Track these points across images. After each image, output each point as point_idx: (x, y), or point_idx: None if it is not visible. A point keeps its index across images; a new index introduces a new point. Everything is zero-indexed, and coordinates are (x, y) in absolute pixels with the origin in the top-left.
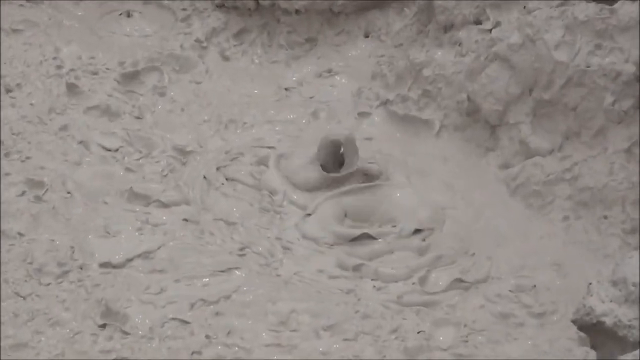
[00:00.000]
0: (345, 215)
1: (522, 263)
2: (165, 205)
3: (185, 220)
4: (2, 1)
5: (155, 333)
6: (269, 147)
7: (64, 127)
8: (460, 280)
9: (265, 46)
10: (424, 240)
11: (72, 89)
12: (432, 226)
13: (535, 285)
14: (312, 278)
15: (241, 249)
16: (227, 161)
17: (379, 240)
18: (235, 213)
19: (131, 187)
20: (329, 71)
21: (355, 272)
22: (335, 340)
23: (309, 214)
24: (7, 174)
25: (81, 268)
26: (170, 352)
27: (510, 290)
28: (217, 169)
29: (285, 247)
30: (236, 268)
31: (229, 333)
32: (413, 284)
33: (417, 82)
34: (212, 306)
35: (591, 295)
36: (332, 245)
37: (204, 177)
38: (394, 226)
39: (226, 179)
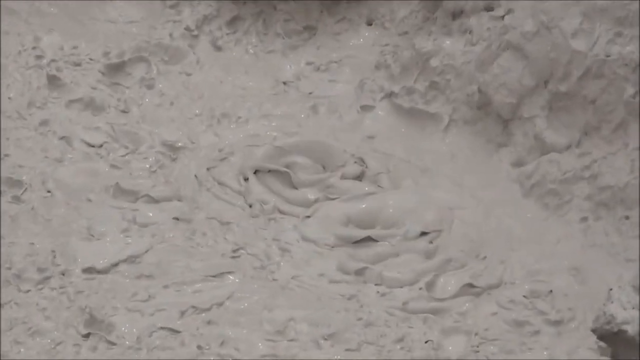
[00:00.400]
0: (349, 221)
1: (537, 267)
2: (154, 201)
3: (176, 219)
4: None
5: (142, 343)
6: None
7: (44, 122)
8: (471, 286)
9: (261, 35)
10: (431, 242)
11: (53, 81)
12: (439, 228)
13: (551, 291)
14: (311, 283)
15: (235, 251)
16: (217, 161)
17: (384, 243)
18: (228, 213)
19: (117, 184)
20: (329, 62)
21: (358, 276)
22: (337, 350)
23: (308, 216)
24: None
25: (63, 274)
26: None
27: (524, 296)
28: (208, 169)
29: (282, 249)
30: (229, 272)
31: (222, 343)
32: (420, 289)
33: (424, 73)
34: (203, 314)
35: (612, 302)
36: (333, 247)
37: (195, 177)
38: (399, 229)
39: (216, 183)
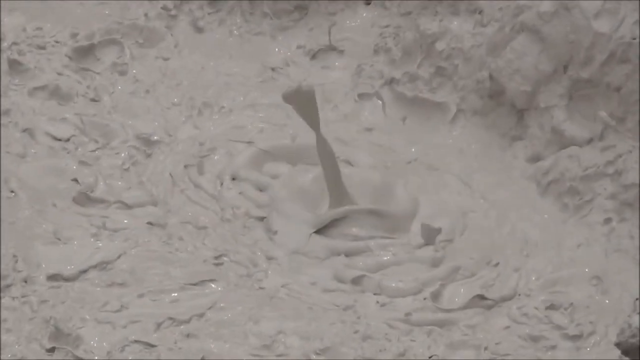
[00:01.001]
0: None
1: (555, 276)
2: (126, 205)
3: (150, 223)
4: None
5: (114, 358)
6: (248, 143)
7: (5, 113)
8: (482, 297)
9: (247, 15)
10: (437, 251)
11: (14, 66)
12: (448, 237)
13: (572, 304)
14: (302, 292)
15: (217, 257)
16: (196, 158)
17: (384, 251)
18: (203, 217)
19: (85, 193)
20: (323, 45)
21: (355, 285)
22: None
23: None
24: None
25: (26, 281)
26: None
27: (540, 308)
28: (185, 167)
29: (269, 256)
30: (211, 280)
31: (202, 358)
32: (424, 299)
33: (429, 58)
34: (182, 326)
35: (638, 313)
36: (324, 260)
37: (170, 176)
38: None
39: (192, 184)
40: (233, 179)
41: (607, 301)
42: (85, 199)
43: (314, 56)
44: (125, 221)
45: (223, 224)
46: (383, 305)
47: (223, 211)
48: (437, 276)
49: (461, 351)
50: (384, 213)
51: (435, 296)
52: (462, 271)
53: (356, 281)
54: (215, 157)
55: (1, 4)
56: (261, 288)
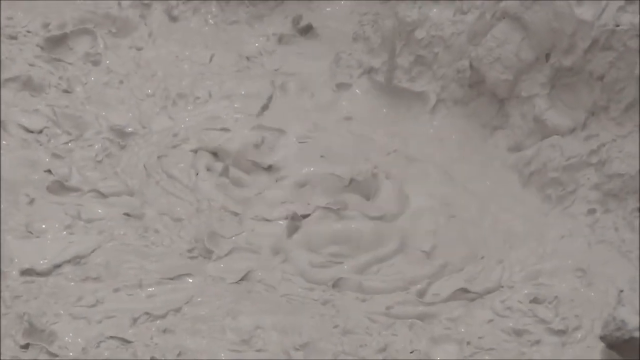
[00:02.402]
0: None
1: (538, 268)
2: (101, 196)
3: (127, 215)
4: None
5: (89, 355)
6: (223, 129)
7: None
8: (465, 291)
9: (222, 3)
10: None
11: None
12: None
13: (557, 297)
14: (280, 286)
15: (191, 250)
16: (168, 149)
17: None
18: (179, 209)
19: (58, 181)
20: (300, 33)
21: (334, 288)
22: None
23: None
24: None
25: None
26: None
27: (524, 302)
28: (158, 157)
29: (247, 250)
30: (187, 274)
31: (179, 354)
32: (407, 293)
33: (408, 46)
34: (158, 321)
35: (623, 306)
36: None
37: (144, 167)
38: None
39: (165, 175)
40: (207, 169)
41: (592, 294)
42: (59, 187)
43: (288, 42)
44: (100, 211)
45: (199, 215)
46: (363, 300)
47: (199, 202)
48: (424, 274)
49: (443, 345)
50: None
51: (421, 294)
52: (450, 267)
53: (335, 284)
54: (186, 147)
55: None
56: (238, 282)
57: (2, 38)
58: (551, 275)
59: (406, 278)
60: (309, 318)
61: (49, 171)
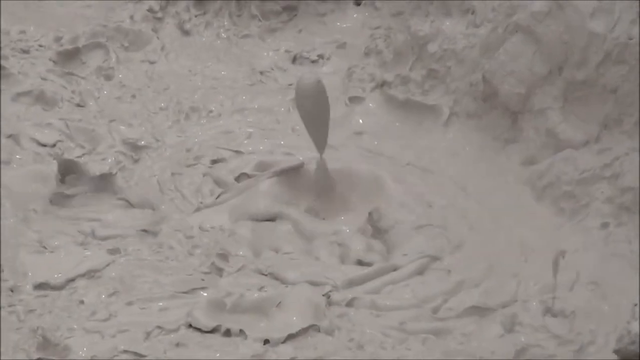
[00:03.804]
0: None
1: (551, 282)
2: (114, 211)
3: (144, 231)
4: None
5: None
6: (236, 151)
7: None
8: (480, 307)
9: (234, 17)
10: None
11: None
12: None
13: (573, 311)
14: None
15: (209, 266)
16: (183, 167)
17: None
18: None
19: (69, 195)
20: (312, 48)
21: (348, 307)
22: None
23: None
24: None
25: (12, 290)
26: None
27: (537, 317)
28: (172, 174)
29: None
30: (202, 288)
31: None
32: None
33: (421, 60)
34: (171, 335)
35: (637, 319)
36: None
37: (158, 183)
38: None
39: (179, 194)
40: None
41: (606, 307)
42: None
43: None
44: (114, 228)
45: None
46: (377, 315)
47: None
48: (441, 291)
49: None
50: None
51: (436, 310)
52: (467, 283)
53: (349, 304)
54: (200, 168)
55: None
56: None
57: (14, 52)
58: (565, 289)
59: (420, 296)
60: (324, 332)
61: (62, 185)
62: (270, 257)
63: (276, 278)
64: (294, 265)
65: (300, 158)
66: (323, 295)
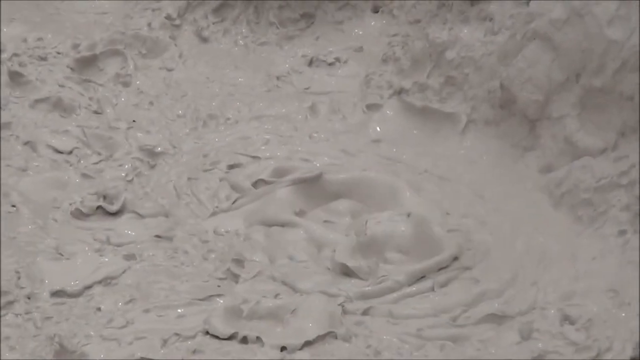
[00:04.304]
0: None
1: (571, 289)
2: (131, 218)
3: (158, 237)
4: None
5: None
6: (253, 157)
7: (5, 126)
8: (498, 314)
9: (252, 24)
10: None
11: (15, 78)
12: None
13: (590, 319)
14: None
15: (224, 271)
16: (199, 172)
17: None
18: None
19: (89, 197)
20: (330, 54)
21: (364, 315)
22: None
23: None
24: None
25: (29, 297)
26: None
27: (555, 324)
28: (188, 179)
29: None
30: (218, 295)
31: None
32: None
33: (439, 67)
34: (188, 342)
35: None
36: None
37: (174, 189)
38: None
39: (195, 199)
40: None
41: (622, 314)
42: (89, 209)
43: (318, 63)
44: (130, 234)
45: (224, 238)
46: (395, 323)
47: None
48: (461, 302)
49: None
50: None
51: (454, 318)
52: (489, 294)
53: (365, 312)
54: (216, 172)
55: (0, 14)
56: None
57: (32, 59)
58: (584, 296)
59: (437, 307)
60: (341, 339)
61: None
62: (283, 265)
63: (289, 286)
64: (306, 274)
65: (318, 164)
66: (338, 304)
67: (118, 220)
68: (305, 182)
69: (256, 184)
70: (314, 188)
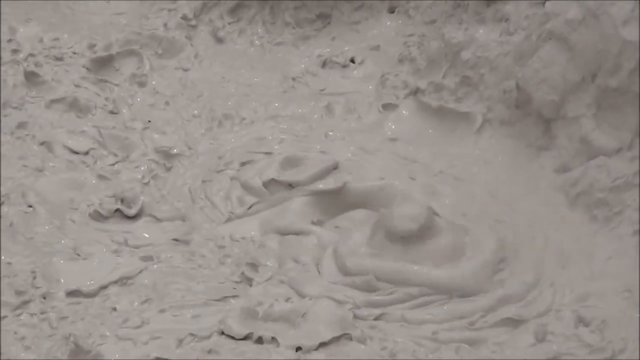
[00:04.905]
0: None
1: (587, 290)
2: (148, 221)
3: (176, 240)
4: None
5: None
6: (266, 153)
7: (21, 125)
8: (516, 318)
9: (268, 24)
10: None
11: (31, 78)
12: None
13: (604, 321)
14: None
15: (240, 275)
16: (213, 173)
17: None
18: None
19: (105, 199)
20: (346, 55)
21: (377, 320)
22: None
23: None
24: None
25: (44, 297)
26: None
27: (570, 326)
28: (203, 182)
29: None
30: (233, 297)
31: None
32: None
33: (454, 67)
34: (204, 342)
35: None
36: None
37: (189, 191)
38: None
39: (209, 202)
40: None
41: (637, 315)
42: (105, 207)
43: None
44: (147, 236)
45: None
46: (409, 328)
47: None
48: (480, 307)
49: None
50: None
51: (472, 322)
52: (512, 298)
53: (378, 318)
54: (229, 173)
55: (17, 14)
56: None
57: (48, 60)
58: (598, 297)
59: (456, 314)
60: (356, 341)
61: (95, 193)
62: (290, 269)
63: (296, 291)
64: (310, 278)
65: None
66: (348, 309)
67: (136, 224)
68: (325, 193)
69: (269, 184)
70: (333, 202)
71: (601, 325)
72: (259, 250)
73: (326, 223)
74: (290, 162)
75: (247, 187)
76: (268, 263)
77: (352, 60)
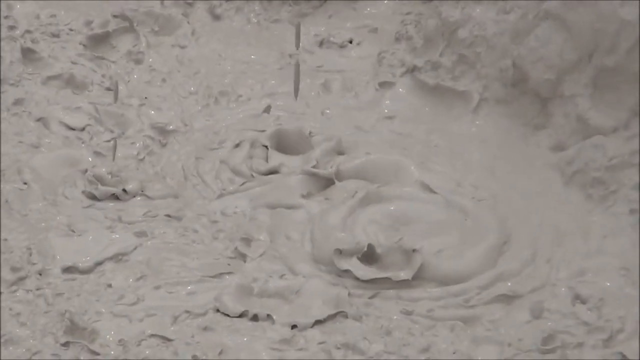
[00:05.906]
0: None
1: (581, 266)
2: (142, 196)
3: (168, 216)
4: None
5: (130, 353)
6: (261, 131)
7: (18, 102)
8: (509, 294)
9: (265, 2)
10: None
11: (28, 54)
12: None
13: (602, 299)
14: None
15: (234, 250)
16: (207, 150)
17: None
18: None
19: (100, 175)
20: (343, 32)
21: (372, 298)
22: None
23: None
24: None
25: (40, 274)
26: None
27: (566, 303)
28: (196, 159)
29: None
30: (228, 273)
31: (220, 353)
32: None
33: (451, 46)
34: (199, 319)
35: None
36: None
37: (182, 169)
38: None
39: (201, 180)
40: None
41: (635, 293)
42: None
43: (331, 41)
44: (142, 212)
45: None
46: (405, 305)
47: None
48: (475, 285)
49: (485, 346)
50: None
51: (467, 300)
52: (506, 274)
53: (373, 297)
54: (221, 153)
55: None
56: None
57: (44, 36)
58: (595, 274)
59: (452, 291)
60: (352, 318)
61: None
62: (282, 244)
63: (288, 268)
64: (301, 255)
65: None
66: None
67: (129, 202)
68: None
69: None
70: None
71: (599, 303)
72: (250, 223)
73: (316, 195)
74: (279, 135)
75: (235, 171)
76: (261, 237)
77: (350, 41)
